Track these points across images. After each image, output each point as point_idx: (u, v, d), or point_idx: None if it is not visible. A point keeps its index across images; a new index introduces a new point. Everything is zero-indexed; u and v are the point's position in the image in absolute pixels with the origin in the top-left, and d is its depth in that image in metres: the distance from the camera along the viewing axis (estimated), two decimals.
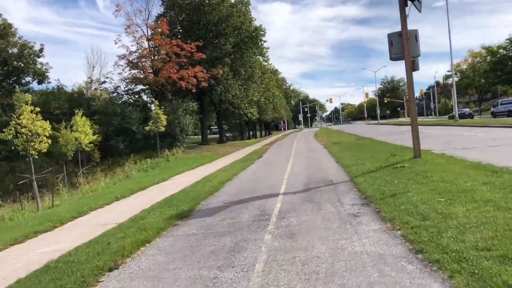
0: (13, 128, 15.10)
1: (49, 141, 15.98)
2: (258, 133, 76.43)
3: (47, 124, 15.88)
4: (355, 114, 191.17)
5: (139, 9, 33.63)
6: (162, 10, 36.53)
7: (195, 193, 10.92)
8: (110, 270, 5.28)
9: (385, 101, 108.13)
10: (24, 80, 33.57)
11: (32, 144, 15.23)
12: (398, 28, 11.45)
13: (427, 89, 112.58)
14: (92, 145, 21.79)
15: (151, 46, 31.86)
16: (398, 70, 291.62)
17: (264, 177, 12.91)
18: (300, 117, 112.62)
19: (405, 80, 12.14)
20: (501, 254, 3.87)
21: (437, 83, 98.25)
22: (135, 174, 21.27)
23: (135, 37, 30.46)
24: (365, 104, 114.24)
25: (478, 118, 46.01)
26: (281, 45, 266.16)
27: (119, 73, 31.18)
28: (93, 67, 40.31)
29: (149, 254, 5.84)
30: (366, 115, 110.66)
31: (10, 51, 31.88)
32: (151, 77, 30.15)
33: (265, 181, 11.91)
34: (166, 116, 26.89)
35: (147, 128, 26.23)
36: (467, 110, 56.25)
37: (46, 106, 29.13)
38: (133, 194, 12.66)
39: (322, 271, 4.29)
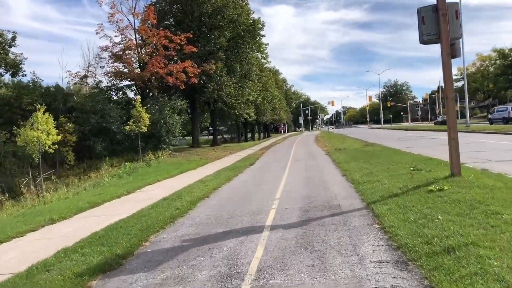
0: None
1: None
2: (256, 135, 73.28)
3: None
4: (357, 117, 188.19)
5: None
6: (153, 0, 33.47)
7: (150, 219, 7.93)
8: None
9: (388, 105, 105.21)
10: None
11: None
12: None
13: (431, 93, 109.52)
14: (56, 146, 18.73)
15: (138, 37, 28.87)
16: (401, 74, 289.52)
17: (249, 196, 9.92)
18: (301, 120, 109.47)
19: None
20: None
21: (440, 88, 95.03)
22: (107, 182, 18.28)
23: (119, 27, 27.49)
24: (367, 108, 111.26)
25: (483, 125, 43.26)
26: (283, 48, 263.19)
27: (102, 67, 28.10)
28: (89, 64, 37.42)
29: None
30: (368, 119, 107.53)
31: None
32: (135, 72, 27.18)
33: (249, 203, 8.92)
34: (148, 115, 23.90)
35: (127, 128, 23.21)
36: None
37: (18, 101, 26.19)
38: (76, 215, 9.65)
39: None
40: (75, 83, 28.72)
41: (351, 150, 20.17)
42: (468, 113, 41.63)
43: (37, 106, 17.91)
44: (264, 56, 43.43)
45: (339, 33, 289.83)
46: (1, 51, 28.59)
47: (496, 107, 47.31)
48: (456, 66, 69.79)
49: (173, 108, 27.24)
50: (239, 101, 36.19)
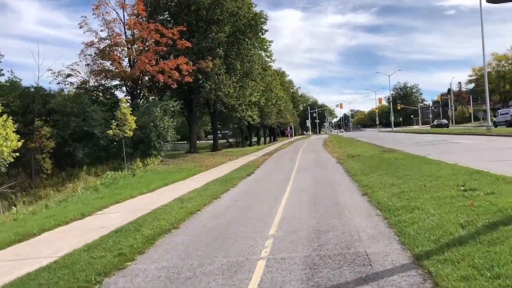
0: None
1: None
2: (262, 140, 70.16)
3: None
4: (365, 121, 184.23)
5: None
6: None
7: (71, 275, 5.05)
8: None
9: (399, 108, 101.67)
10: None
11: None
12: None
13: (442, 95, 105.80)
14: (17, 154, 15.97)
15: (127, 32, 26.16)
16: (409, 77, 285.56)
17: (233, 229, 6.99)
18: (308, 123, 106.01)
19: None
20: None
21: (449, 90, 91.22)
22: (78, 196, 15.51)
23: (105, 20, 24.78)
24: (376, 111, 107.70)
25: (507, 128, 40.03)
26: (290, 51, 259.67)
27: (87, 65, 25.39)
28: (74, 62, 34.86)
29: None
30: (378, 122, 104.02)
31: None
32: (122, 70, 24.45)
33: (229, 243, 6.00)
34: (135, 118, 21.11)
35: (110, 132, 20.38)
36: (444, 120, 66.25)
37: None
38: None
39: None
40: (58, 83, 26.01)
41: (366, 158, 17.16)
42: (489, 116, 38.48)
43: None
44: (268, 54, 40.44)
45: (346, 36, 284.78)
46: None
47: (499, 110, 47.63)
48: (470, 67, 66.62)
49: (165, 110, 24.39)
50: (240, 102, 33.19)
